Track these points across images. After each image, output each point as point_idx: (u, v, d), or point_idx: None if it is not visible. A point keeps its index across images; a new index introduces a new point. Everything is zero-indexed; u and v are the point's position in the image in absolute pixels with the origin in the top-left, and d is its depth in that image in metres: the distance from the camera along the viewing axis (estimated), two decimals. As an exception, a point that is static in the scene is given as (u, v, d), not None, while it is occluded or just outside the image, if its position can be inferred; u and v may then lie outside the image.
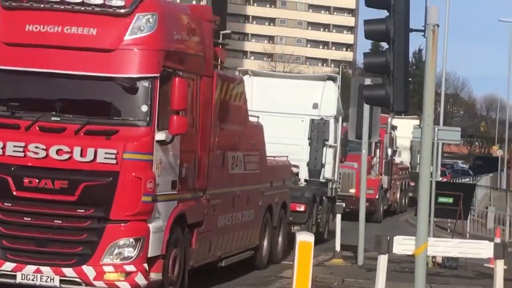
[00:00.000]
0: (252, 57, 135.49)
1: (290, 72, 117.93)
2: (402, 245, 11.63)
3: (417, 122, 40.94)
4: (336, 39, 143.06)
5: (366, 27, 11.85)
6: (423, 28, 11.55)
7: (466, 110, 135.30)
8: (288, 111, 25.82)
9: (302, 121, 25.76)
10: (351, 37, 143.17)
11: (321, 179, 25.96)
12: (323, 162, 26.01)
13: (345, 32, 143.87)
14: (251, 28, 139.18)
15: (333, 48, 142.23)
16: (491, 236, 26.37)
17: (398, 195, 41.82)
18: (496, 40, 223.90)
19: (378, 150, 36.36)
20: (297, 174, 25.30)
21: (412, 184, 43.97)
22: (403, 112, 12.09)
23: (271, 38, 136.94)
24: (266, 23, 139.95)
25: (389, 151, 36.18)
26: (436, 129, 20.94)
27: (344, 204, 28.34)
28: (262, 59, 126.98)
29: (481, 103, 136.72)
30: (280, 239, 21.34)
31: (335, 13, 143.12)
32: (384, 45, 11.82)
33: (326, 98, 26.52)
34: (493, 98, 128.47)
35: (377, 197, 35.10)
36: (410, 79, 11.83)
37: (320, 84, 27.03)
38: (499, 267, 11.64)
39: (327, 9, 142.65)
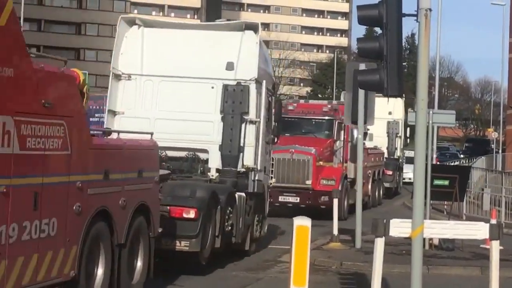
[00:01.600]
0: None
1: (285, 59, 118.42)
2: (399, 228, 11.64)
3: (396, 101, 40.21)
4: (330, 25, 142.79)
5: (359, 12, 11.88)
6: (415, 13, 11.53)
7: (461, 93, 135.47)
8: (192, 74, 19.32)
9: (212, 87, 18.87)
10: (346, 23, 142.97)
11: (240, 168, 18.90)
12: (242, 144, 18.83)
13: (339, 18, 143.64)
14: (246, 15, 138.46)
15: (328, 34, 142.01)
16: (487, 217, 26.46)
17: (369, 186, 36.26)
18: (489, 23, 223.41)
19: (342, 132, 31.92)
20: (205, 161, 19.07)
21: (388, 173, 42.06)
22: (397, 96, 12.10)
23: (266, 26, 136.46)
24: (261, 11, 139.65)
25: (355, 133, 27.96)
26: (431, 112, 20.95)
27: (298, 199, 29.81)
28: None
29: (475, 86, 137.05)
30: (138, 264, 14.02)
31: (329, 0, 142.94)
32: (378, 30, 11.84)
33: (245, 54, 19.36)
34: (487, 81, 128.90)
35: (339, 188, 29.14)
36: (403, 63, 11.83)
37: (236, 36, 19.79)
38: (495, 247, 11.66)
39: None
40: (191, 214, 16.41)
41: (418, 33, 11.68)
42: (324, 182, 29.99)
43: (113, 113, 19.41)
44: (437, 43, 39.48)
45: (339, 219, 23.02)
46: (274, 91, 22.65)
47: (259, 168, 19.23)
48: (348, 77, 21.56)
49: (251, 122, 19.10)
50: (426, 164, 15.92)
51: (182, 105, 19.05)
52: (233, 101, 18.81)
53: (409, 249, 11.92)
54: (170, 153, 18.59)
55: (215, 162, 18.80)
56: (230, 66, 19.24)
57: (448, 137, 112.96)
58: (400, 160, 45.89)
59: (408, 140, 51.23)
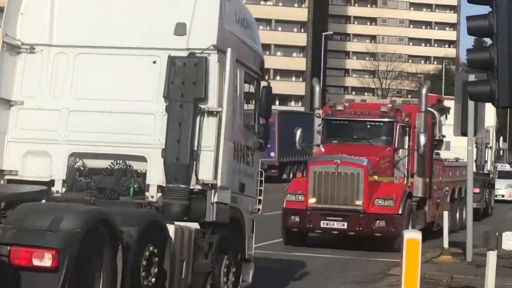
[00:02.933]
0: (355, 57, 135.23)
1: (393, 70, 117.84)
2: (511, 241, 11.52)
3: (488, 105, 36.04)
4: (438, 36, 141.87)
5: (469, 23, 11.75)
6: (527, 22, 11.40)
7: None
8: (124, 43, 13.02)
9: (154, 62, 12.49)
10: (454, 33, 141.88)
11: (193, 185, 12.28)
12: (196, 148, 12.26)
13: (447, 29, 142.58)
14: (352, 28, 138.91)
15: (436, 45, 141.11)
16: None
17: (448, 207, 27.38)
18: None
19: (406, 138, 24.97)
20: (142, 174, 12.61)
21: (475, 191, 31.04)
22: (510, 107, 11.91)
23: (373, 38, 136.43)
24: (368, 23, 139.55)
25: (422, 139, 23.45)
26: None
27: (345, 225, 22.86)
28: (365, 58, 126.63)
29: None
30: None
31: (436, 10, 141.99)
32: (488, 40, 11.69)
33: (202, 12, 12.78)
34: None
35: (399, 212, 22.81)
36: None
37: None
38: (492, 256, 11.54)
39: (428, 6, 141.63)
40: (46, 260, 9.53)
41: (530, 43, 11.50)
42: (380, 202, 22.94)
43: (7, 103, 13.03)
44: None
45: (395, 250, 20.09)
46: (262, 74, 14.77)
47: (220, 183, 12.15)
48: (457, 88, 21.31)
49: (211, 113, 12.38)
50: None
51: (108, 90, 12.92)
52: (183, 81, 12.31)
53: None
54: (90, 163, 12.67)
55: (156, 175, 12.30)
56: (180, 30, 12.82)
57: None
58: (491, 176, 38.26)
59: (503, 152, 44.65)
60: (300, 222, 23.04)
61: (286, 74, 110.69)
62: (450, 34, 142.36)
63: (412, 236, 11.34)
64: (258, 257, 17.06)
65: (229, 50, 12.56)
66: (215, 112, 12.39)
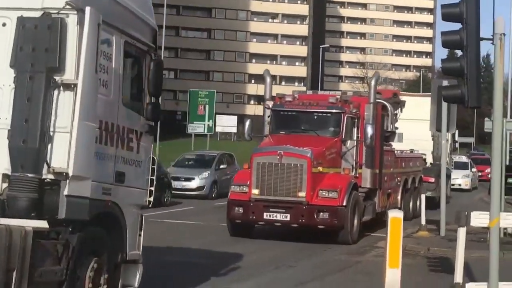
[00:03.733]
0: (347, 66, 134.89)
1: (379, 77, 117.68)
2: (478, 219, 11.51)
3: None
4: (417, 49, 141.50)
5: (443, 37, 11.70)
6: (491, 37, 11.38)
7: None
8: None
9: (4, 24, 8.86)
10: (430, 46, 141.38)
11: (45, 174, 8.57)
12: (48, 128, 8.58)
13: (424, 42, 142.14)
14: (345, 42, 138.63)
15: (415, 56, 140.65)
16: (554, 210, 25.70)
17: (399, 197, 24.57)
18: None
19: (355, 130, 20.97)
20: None
21: (430, 180, 30.26)
22: (477, 108, 11.83)
23: (362, 50, 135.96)
24: (358, 37, 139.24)
25: (369, 130, 19.81)
26: (505, 121, 20.60)
27: (288, 217, 18.99)
28: (356, 67, 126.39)
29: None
30: None
31: (415, 27, 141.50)
32: (459, 52, 11.65)
33: None
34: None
35: (343, 204, 18.88)
36: (481, 80, 11.63)
37: None
38: (462, 232, 11.50)
39: (409, 23, 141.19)
40: None
41: (494, 54, 11.48)
42: (324, 194, 19.01)
43: None
44: (509, 61, 38.67)
45: (345, 243, 18.97)
46: (154, 47, 11.12)
47: (73, 172, 8.57)
48: (433, 92, 21.28)
49: (67, 86, 8.79)
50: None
51: None
52: (34, 47, 8.69)
53: (486, 237, 11.69)
54: None
55: (1, 161, 8.67)
56: None
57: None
58: (447, 166, 32.78)
59: (457, 144, 40.96)
60: (243, 213, 19.36)
61: (290, 80, 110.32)
62: (427, 47, 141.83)
63: (395, 215, 11.39)
64: (231, 253, 16.54)
65: (88, 9, 8.80)
66: (72, 86, 8.79)
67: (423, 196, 22.83)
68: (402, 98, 27.54)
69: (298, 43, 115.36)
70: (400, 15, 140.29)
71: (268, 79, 22.07)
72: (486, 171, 51.04)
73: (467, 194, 40.50)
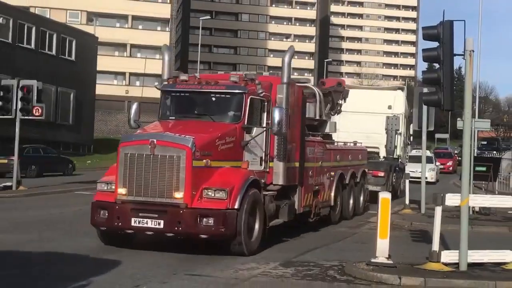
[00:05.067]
0: (346, 76, 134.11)
1: (372, 85, 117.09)
2: (452, 199, 11.51)
3: (397, 93, 27.45)
4: (402, 62, 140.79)
5: (424, 53, 11.72)
6: (463, 53, 11.38)
7: (494, 107, 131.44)
8: None
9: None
10: (413, 60, 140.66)
11: None
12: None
13: (409, 57, 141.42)
14: (345, 57, 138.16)
15: (401, 68, 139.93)
16: (513, 192, 25.59)
17: (332, 194, 17.68)
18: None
19: (263, 114, 14.06)
20: None
21: (379, 174, 24.48)
22: (451, 110, 11.80)
23: (358, 63, 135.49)
24: (355, 53, 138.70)
25: (277, 115, 13.24)
26: (473, 120, 20.54)
27: (162, 224, 12.06)
28: (353, 77, 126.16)
29: (504, 101, 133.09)
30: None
31: (402, 44, 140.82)
32: (436, 65, 11.65)
33: None
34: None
35: (235, 206, 12.21)
36: (454, 87, 11.63)
37: None
38: (438, 211, 11.42)
39: (396, 42, 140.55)
40: None
41: (465, 67, 11.51)
42: (209, 194, 12.16)
43: None
44: (477, 73, 38.51)
45: (239, 254, 12.27)
46: None
47: None
48: (415, 97, 21.18)
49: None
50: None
51: None
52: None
53: (458, 214, 11.68)
54: None
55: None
56: None
57: (486, 138, 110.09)
58: (400, 160, 27.99)
59: (411, 138, 32.40)
60: (108, 219, 12.41)
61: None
62: (410, 61, 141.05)
63: (385, 196, 11.39)
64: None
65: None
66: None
67: (407, 182, 22.55)
68: (356, 90, 24.67)
69: (306, 58, 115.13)
70: (389, 35, 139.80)
71: (166, 57, 15.00)
72: (448, 164, 48.74)
73: (433, 186, 37.79)
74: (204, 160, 12.32)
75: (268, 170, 13.92)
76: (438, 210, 11.31)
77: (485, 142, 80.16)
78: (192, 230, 12.00)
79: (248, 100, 13.56)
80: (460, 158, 53.57)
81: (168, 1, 71.54)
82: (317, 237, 15.79)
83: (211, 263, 11.61)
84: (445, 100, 11.32)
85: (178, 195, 12.04)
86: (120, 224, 12.39)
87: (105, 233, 12.98)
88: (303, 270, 11.28)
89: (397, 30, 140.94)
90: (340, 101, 19.03)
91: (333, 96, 18.44)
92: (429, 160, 35.72)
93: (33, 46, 45.90)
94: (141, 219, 12.23)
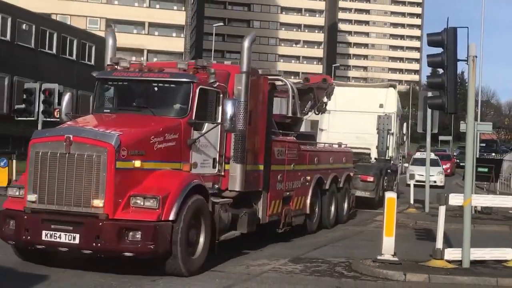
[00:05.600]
0: (353, 81, 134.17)
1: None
2: (455, 199, 11.47)
3: (388, 91, 24.33)
4: (407, 67, 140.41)
5: (428, 59, 11.66)
6: (466, 59, 11.33)
7: (495, 111, 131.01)
8: None
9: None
10: (417, 65, 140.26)
11: None
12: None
13: (413, 62, 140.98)
14: (352, 62, 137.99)
15: (406, 73, 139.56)
16: (514, 193, 25.45)
17: (308, 201, 14.91)
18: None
19: (218, 108, 11.15)
20: None
21: (368, 179, 21.08)
22: (455, 113, 11.73)
23: (365, 68, 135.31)
24: (362, 58, 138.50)
25: (229, 109, 10.37)
26: (476, 123, 20.48)
27: (77, 238, 9.27)
28: (360, 81, 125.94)
29: (505, 105, 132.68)
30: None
31: (406, 50, 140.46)
32: (440, 70, 11.60)
33: None
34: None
35: (169, 218, 9.33)
36: (457, 91, 11.59)
37: None
38: (442, 210, 11.32)
39: (401, 48, 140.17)
40: None
41: (468, 72, 11.44)
42: (137, 203, 9.33)
43: None
44: (479, 78, 38.28)
45: (176, 274, 9.66)
46: None
47: None
48: (420, 101, 21.15)
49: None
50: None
51: None
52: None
53: (461, 213, 11.63)
54: None
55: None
56: None
57: (485, 140, 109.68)
58: (393, 161, 24.39)
59: (405, 138, 29.19)
60: (16, 231, 9.69)
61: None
62: (415, 66, 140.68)
63: (391, 196, 11.34)
64: None
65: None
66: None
67: (412, 183, 22.04)
68: (346, 88, 22.97)
69: (315, 63, 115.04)
70: (395, 41, 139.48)
71: (110, 42, 12.06)
72: (446, 166, 43.50)
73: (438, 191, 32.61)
74: (133, 161, 9.53)
75: (223, 173, 11.22)
76: (442, 210, 11.25)
77: (483, 144, 78.96)
78: (114, 247, 9.17)
79: (197, 91, 10.73)
80: (458, 161, 51.30)
81: (183, 9, 71.72)
82: (325, 235, 15.74)
83: (223, 259, 11.41)
84: (449, 103, 11.26)
85: (98, 203, 9.25)
86: (29, 237, 9.54)
87: (16, 247, 10.17)
88: (312, 266, 11.26)
89: (402, 37, 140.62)
90: (324, 99, 17.01)
91: (316, 93, 16.41)
92: (435, 163, 32.87)
93: (54, 51, 46.09)
94: (54, 232, 9.39)
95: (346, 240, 15.07)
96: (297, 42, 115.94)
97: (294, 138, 14.53)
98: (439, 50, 11.43)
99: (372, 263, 11.08)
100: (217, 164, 11.22)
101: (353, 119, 22.49)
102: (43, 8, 57.68)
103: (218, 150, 11.20)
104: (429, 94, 18.52)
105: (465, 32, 11.31)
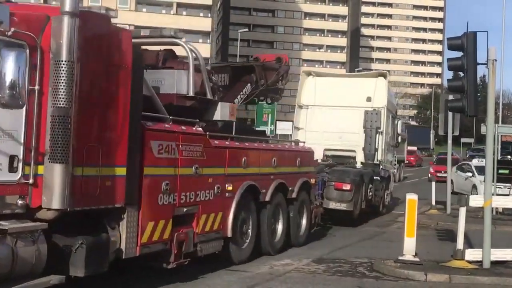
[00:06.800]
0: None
1: (399, 92, 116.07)
2: (475, 200, 11.41)
3: (378, 79, 19.66)
4: (429, 71, 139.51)
5: (449, 63, 11.61)
6: (486, 62, 11.26)
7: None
8: None
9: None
10: (439, 69, 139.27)
11: None
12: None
13: (435, 66, 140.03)
14: (374, 66, 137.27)
15: (428, 76, 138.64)
16: (535, 194, 25.07)
17: (229, 221, 10.11)
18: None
19: (25, 71, 6.53)
20: None
21: (345, 187, 16.35)
22: (475, 116, 11.65)
23: (388, 71, 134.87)
24: (384, 62, 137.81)
25: (10, 71, 6.26)
26: (497, 126, 20.33)
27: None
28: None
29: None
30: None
31: (428, 54, 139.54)
32: (461, 73, 11.54)
33: None
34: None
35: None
36: (478, 94, 11.54)
37: None
38: (462, 212, 11.22)
39: (423, 52, 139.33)
40: None
41: (488, 75, 11.37)
42: None
43: None
44: (500, 81, 38.01)
45: None
46: None
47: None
48: (442, 104, 20.97)
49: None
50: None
51: None
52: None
53: (482, 214, 11.54)
54: None
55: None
56: None
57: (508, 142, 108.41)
58: (382, 167, 19.39)
59: (400, 139, 22.58)
60: None
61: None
62: (437, 69, 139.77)
63: (412, 197, 11.29)
64: None
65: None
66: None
67: (433, 184, 22.06)
68: (325, 78, 19.00)
69: (338, 67, 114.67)
70: (417, 45, 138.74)
71: None
72: None
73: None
74: None
75: (32, 181, 6.84)
76: (463, 211, 11.19)
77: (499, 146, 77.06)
78: None
79: None
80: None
81: (209, 15, 72.04)
82: (348, 236, 15.70)
83: (247, 259, 11.39)
84: (469, 106, 11.19)
85: None
86: None
87: None
88: (334, 267, 11.24)
89: (424, 41, 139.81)
90: (279, 84, 13.67)
91: (265, 76, 12.87)
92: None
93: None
94: None
95: (368, 241, 15.01)
96: (320, 46, 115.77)
97: (201, 128, 9.58)
98: (459, 54, 11.38)
99: (393, 263, 11.04)
100: (20, 165, 6.74)
101: (336, 115, 18.25)
102: None
103: (22, 141, 6.76)
104: (450, 97, 18.40)
105: (485, 36, 11.25)
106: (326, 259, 12.03)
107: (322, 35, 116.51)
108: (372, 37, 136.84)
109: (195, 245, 9.46)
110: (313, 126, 18.66)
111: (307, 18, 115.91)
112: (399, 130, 21.92)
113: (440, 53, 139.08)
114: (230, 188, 10.26)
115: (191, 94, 9.82)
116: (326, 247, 13.59)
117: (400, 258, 11.09)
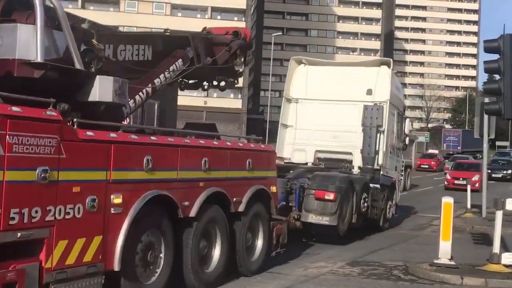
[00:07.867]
0: (410, 87, 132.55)
1: (434, 95, 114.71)
2: (512, 204, 11.22)
3: (381, 69, 16.11)
4: (464, 73, 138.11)
5: (485, 65, 11.48)
6: (523, 64, 11.12)
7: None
8: None
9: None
10: (474, 71, 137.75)
11: None
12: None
13: (470, 68, 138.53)
14: (408, 68, 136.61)
15: (463, 79, 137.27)
16: None
17: (119, 245, 6.73)
18: None
19: None
20: None
21: (327, 196, 13.09)
22: (511, 119, 11.49)
23: (421, 75, 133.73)
24: (418, 65, 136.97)
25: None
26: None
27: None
28: (416, 87, 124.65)
29: None
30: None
31: (463, 57, 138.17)
32: (497, 76, 11.38)
33: None
34: None
35: None
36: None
37: None
38: (499, 215, 10.95)
39: (458, 54, 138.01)
40: None
41: (525, 77, 11.18)
42: None
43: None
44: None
45: None
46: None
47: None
48: (477, 107, 20.70)
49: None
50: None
51: None
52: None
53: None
54: None
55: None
56: None
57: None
58: (383, 173, 15.79)
59: (407, 140, 18.65)
60: None
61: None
62: (472, 72, 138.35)
63: (448, 201, 11.16)
64: None
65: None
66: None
67: (468, 188, 21.67)
68: (320, 67, 15.98)
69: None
70: (451, 48, 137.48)
71: None
72: (474, 179, 27.67)
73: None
74: None
75: None
76: (499, 214, 11.01)
77: None
78: None
79: None
80: (489, 171, 35.54)
81: (243, 19, 72.29)
82: (382, 239, 15.56)
83: (281, 261, 11.31)
84: (506, 109, 11.05)
85: None
86: None
87: None
88: (369, 270, 11.15)
89: (458, 43, 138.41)
90: (236, 66, 10.48)
91: (207, 50, 9.68)
92: None
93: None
94: None
95: (403, 244, 14.86)
96: (354, 50, 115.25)
97: (59, 111, 6.31)
98: (495, 56, 11.23)
99: (429, 266, 10.91)
100: None
101: (330, 111, 15.46)
102: None
103: None
104: (486, 100, 18.12)
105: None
106: (360, 261, 11.95)
107: (356, 38, 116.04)
108: (406, 40, 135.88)
109: (45, 286, 6.06)
110: (304, 124, 15.80)
111: (341, 22, 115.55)
112: (406, 130, 18.42)
113: (474, 56, 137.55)
114: (118, 200, 6.85)
115: (39, 60, 6.41)
116: (360, 250, 13.49)
117: (436, 261, 10.96)
